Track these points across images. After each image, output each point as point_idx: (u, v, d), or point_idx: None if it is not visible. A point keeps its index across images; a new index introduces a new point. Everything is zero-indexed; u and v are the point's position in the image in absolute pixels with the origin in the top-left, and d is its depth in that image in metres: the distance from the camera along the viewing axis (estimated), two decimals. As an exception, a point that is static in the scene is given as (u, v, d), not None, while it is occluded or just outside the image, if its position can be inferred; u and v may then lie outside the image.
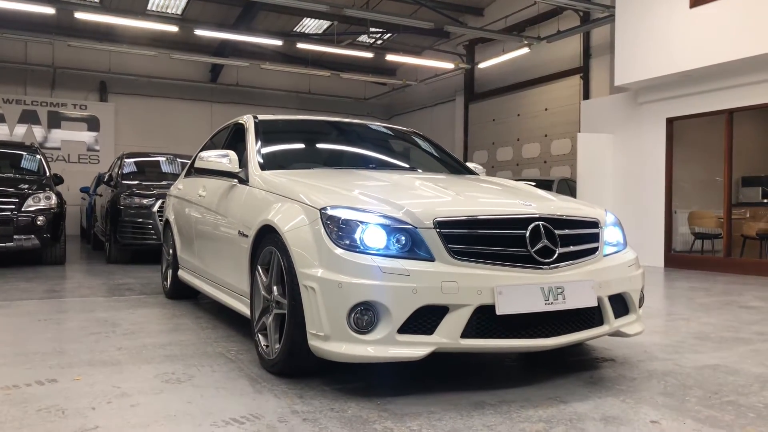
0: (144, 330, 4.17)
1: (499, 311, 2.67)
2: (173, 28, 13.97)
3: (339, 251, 2.72)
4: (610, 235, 3.29)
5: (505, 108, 16.73)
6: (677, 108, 9.85)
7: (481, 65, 16.06)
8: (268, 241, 3.19)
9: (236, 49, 17.49)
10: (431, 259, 2.72)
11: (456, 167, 4.61)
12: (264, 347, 3.17)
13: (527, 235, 2.84)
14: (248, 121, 4.45)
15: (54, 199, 8.04)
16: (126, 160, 10.21)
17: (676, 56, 9.12)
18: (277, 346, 3.01)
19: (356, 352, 2.64)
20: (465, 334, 2.67)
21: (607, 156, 10.97)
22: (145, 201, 8.75)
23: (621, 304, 3.15)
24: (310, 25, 16.86)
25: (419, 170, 4.39)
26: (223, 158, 4.00)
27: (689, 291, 6.84)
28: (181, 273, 5.26)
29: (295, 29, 17.06)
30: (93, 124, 17.55)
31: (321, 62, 18.27)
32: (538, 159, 15.68)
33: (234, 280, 3.80)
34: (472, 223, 2.82)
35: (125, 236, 8.63)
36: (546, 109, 15.45)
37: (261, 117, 4.54)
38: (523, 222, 2.88)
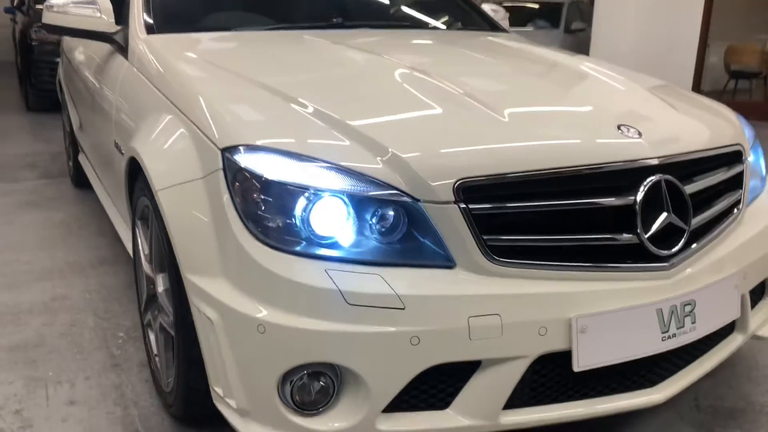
0: (6, 269, 2.83)
1: (578, 365, 1.36)
2: None
3: (259, 250, 1.32)
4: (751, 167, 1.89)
5: None
6: None
7: None
8: (142, 188, 1.77)
9: None
10: (448, 263, 1.34)
11: (474, 18, 3.02)
12: (156, 360, 1.88)
13: (638, 202, 1.45)
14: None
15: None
16: (42, -25, 8.14)
17: None
18: (171, 379, 1.72)
19: (298, 452, 1.36)
20: (511, 404, 1.40)
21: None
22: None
23: (757, 287, 1.86)
24: None
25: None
26: (87, 7, 2.39)
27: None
28: (81, 158, 3.80)
29: None
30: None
31: None
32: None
33: (119, 204, 2.41)
34: (535, 183, 1.38)
35: (41, 80, 6.93)
36: None
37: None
38: (630, 175, 1.46)
